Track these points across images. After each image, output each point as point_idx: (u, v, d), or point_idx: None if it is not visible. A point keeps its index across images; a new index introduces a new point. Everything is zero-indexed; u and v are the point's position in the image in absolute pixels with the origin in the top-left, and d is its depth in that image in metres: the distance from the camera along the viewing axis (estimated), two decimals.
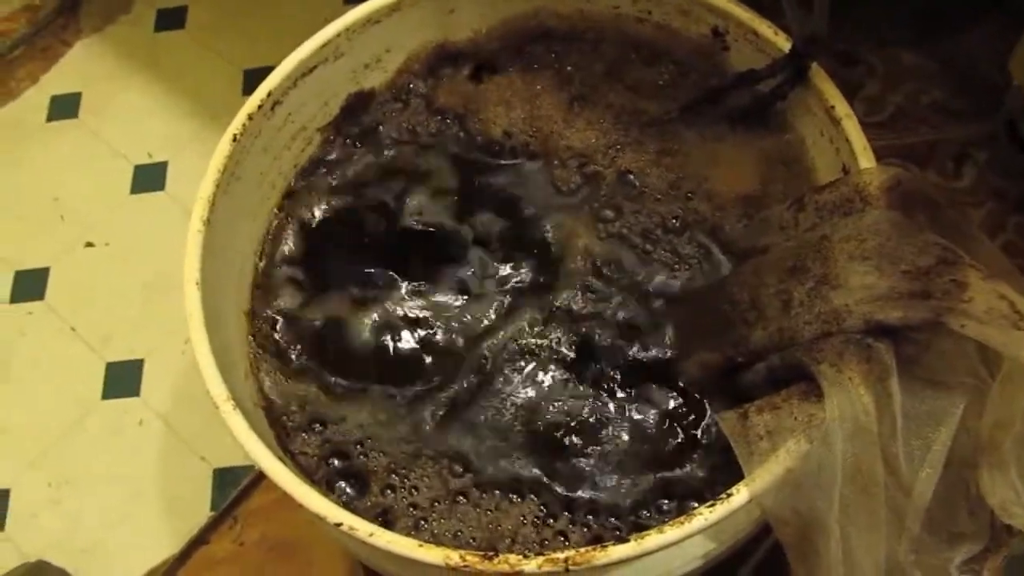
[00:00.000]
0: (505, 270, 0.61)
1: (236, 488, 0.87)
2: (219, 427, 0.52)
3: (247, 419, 0.52)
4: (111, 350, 0.99)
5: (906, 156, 0.96)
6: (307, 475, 0.56)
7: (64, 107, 1.12)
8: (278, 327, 0.61)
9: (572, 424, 0.56)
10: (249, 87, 1.10)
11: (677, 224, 0.61)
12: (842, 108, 0.58)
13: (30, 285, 1.02)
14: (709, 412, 0.55)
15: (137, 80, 1.13)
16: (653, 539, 0.46)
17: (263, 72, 1.11)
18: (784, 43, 0.59)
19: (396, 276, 0.61)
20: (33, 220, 1.06)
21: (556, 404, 0.56)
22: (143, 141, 1.09)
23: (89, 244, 1.04)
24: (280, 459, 0.51)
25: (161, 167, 1.07)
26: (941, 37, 1.02)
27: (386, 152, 0.66)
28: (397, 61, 0.68)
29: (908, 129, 0.98)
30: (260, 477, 0.83)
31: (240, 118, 0.60)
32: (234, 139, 0.59)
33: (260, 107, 0.61)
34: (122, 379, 0.97)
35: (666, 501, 0.53)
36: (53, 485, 0.93)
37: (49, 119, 1.12)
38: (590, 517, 0.53)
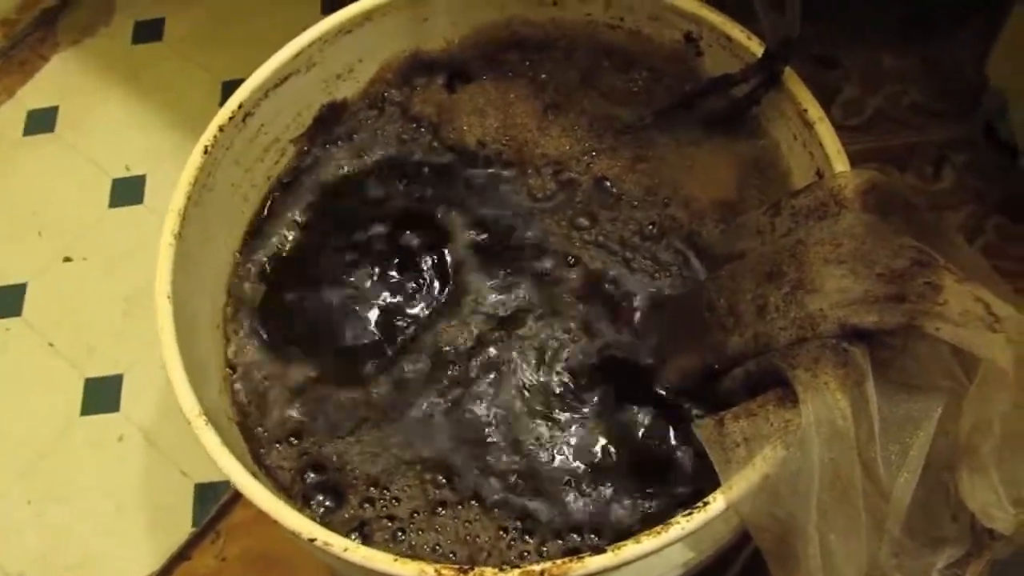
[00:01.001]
0: (481, 278, 0.60)
1: (217, 503, 0.87)
2: (191, 429, 0.51)
3: (221, 434, 0.51)
4: (90, 366, 0.98)
5: (885, 159, 0.96)
6: (283, 489, 0.56)
7: (41, 121, 1.11)
8: (253, 342, 0.60)
9: (549, 434, 0.55)
10: (227, 99, 1.09)
11: (654, 231, 0.61)
12: (815, 112, 0.57)
13: (7, 301, 1.01)
14: (686, 419, 0.55)
15: (115, 93, 1.12)
16: (630, 549, 0.45)
17: (241, 84, 1.11)
18: (757, 47, 0.59)
19: (372, 284, 0.61)
20: (10, 235, 1.05)
21: (533, 414, 0.56)
22: (121, 154, 1.08)
23: (67, 259, 1.03)
24: (254, 474, 0.51)
25: (139, 180, 1.06)
26: (921, 40, 1.02)
27: (360, 162, 0.66)
28: (370, 71, 0.67)
29: (887, 132, 0.98)
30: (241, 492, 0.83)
31: (211, 130, 0.60)
32: (205, 151, 0.59)
33: (231, 119, 0.60)
34: (101, 395, 0.96)
35: (644, 510, 0.52)
36: (34, 502, 0.92)
37: (26, 133, 1.11)
38: (568, 529, 0.52)
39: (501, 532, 0.53)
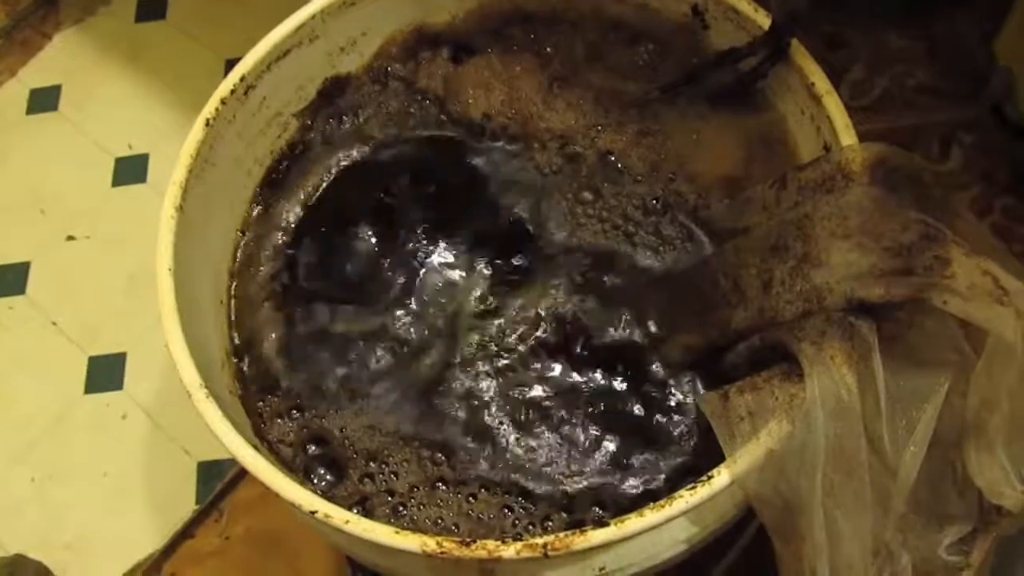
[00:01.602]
0: (486, 254, 0.60)
1: (221, 481, 0.87)
2: (203, 419, 0.51)
3: (222, 408, 0.51)
4: (94, 344, 0.98)
5: (892, 139, 0.94)
6: (285, 464, 0.56)
7: (44, 100, 1.11)
8: (256, 316, 0.60)
9: (551, 411, 0.55)
10: None
11: (658, 205, 0.61)
12: (823, 85, 0.57)
13: (11, 279, 1.01)
14: (692, 394, 0.54)
15: (118, 72, 1.12)
16: (634, 523, 0.45)
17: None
18: (764, 20, 0.59)
19: (376, 260, 0.61)
20: (14, 214, 1.05)
21: (536, 389, 0.56)
22: (124, 133, 1.08)
23: (70, 237, 1.03)
24: (256, 447, 0.51)
25: (142, 159, 1.06)
26: (926, 20, 1.01)
27: (364, 135, 0.65)
28: (374, 44, 0.67)
29: (894, 112, 0.97)
30: (245, 470, 0.83)
31: (213, 102, 0.59)
32: (207, 124, 0.58)
33: (233, 91, 0.60)
34: (105, 373, 0.96)
35: (648, 485, 0.52)
36: (37, 480, 0.92)
37: (29, 112, 1.11)
38: (571, 503, 0.52)
39: (503, 507, 0.52)
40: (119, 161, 1.06)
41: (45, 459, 0.93)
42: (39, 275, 1.01)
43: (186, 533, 0.85)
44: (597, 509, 0.52)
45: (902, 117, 0.97)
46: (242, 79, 0.60)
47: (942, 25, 1.01)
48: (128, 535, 0.89)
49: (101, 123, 1.09)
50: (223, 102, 0.59)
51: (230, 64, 1.10)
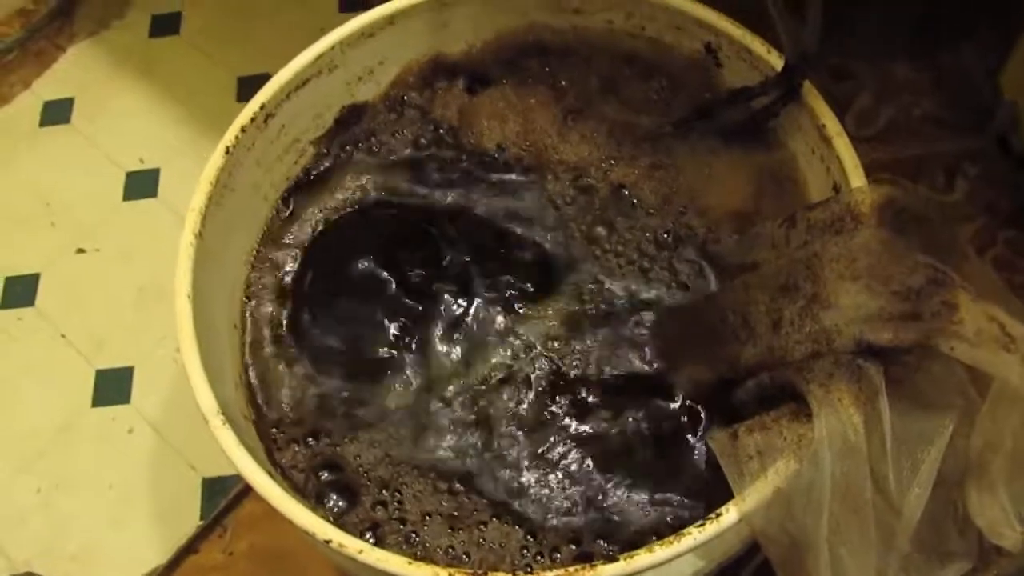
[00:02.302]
0: (498, 286, 0.61)
1: (225, 497, 0.87)
2: (209, 436, 0.51)
3: (237, 432, 0.52)
4: (101, 357, 0.98)
5: (897, 170, 0.95)
6: (297, 489, 0.56)
7: (57, 112, 1.12)
8: (270, 341, 0.60)
9: (562, 442, 0.56)
10: (243, 94, 1.09)
11: (669, 239, 0.62)
12: (833, 127, 0.58)
13: (21, 291, 1.02)
14: (699, 430, 0.55)
15: (130, 86, 1.12)
16: (643, 558, 0.46)
17: (257, 79, 1.11)
18: (777, 61, 0.60)
19: (391, 289, 0.61)
20: (24, 225, 1.05)
21: (547, 422, 0.56)
22: (136, 147, 1.08)
23: (80, 250, 1.03)
24: (269, 473, 0.51)
25: (153, 174, 1.07)
26: (934, 51, 1.02)
27: (379, 164, 0.66)
28: (391, 73, 0.68)
29: (900, 143, 0.98)
30: (249, 487, 0.83)
31: (233, 130, 0.60)
32: (227, 151, 0.59)
33: (253, 119, 0.61)
34: (112, 386, 0.96)
35: (657, 520, 0.53)
36: (42, 491, 0.93)
37: (42, 124, 1.11)
38: (581, 536, 0.53)
39: (513, 537, 0.53)
40: (130, 175, 1.07)
41: (51, 470, 0.94)
42: (48, 287, 1.02)
43: (190, 548, 0.86)
44: (603, 542, 0.53)
45: (908, 147, 0.98)
46: (262, 107, 0.61)
47: (948, 57, 1.02)
48: (132, 549, 0.89)
49: (113, 137, 1.09)
50: (243, 130, 0.60)
51: (242, 81, 1.11)
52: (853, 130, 0.97)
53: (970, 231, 0.94)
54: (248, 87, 1.09)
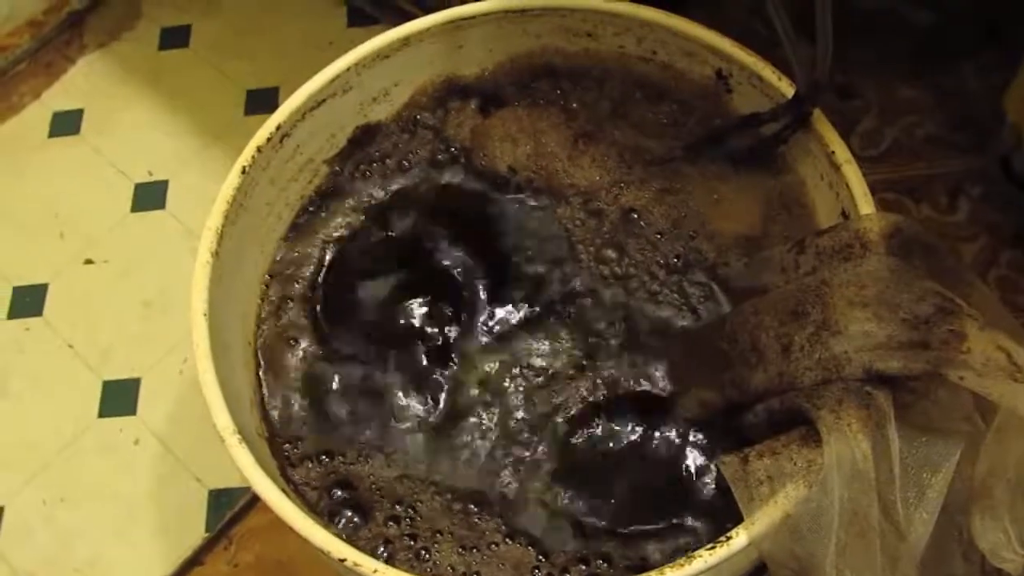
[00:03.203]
0: (509, 307, 0.61)
1: (231, 509, 0.88)
2: (215, 448, 0.52)
3: (252, 450, 0.52)
4: (109, 368, 0.98)
5: (901, 190, 0.97)
6: (309, 506, 0.57)
7: (66, 123, 1.12)
8: (284, 359, 0.61)
9: (572, 463, 0.56)
10: (252, 107, 1.10)
11: (679, 263, 0.62)
12: (843, 154, 0.59)
13: (28, 301, 1.02)
14: (709, 454, 0.56)
15: (140, 97, 1.13)
16: None
17: (266, 92, 1.12)
18: (787, 88, 0.60)
19: (407, 306, 0.62)
20: (32, 236, 1.06)
21: (558, 443, 0.57)
22: (144, 159, 1.09)
23: (88, 261, 1.04)
24: (283, 491, 0.52)
25: (162, 185, 1.07)
26: (938, 72, 1.03)
27: (392, 183, 0.67)
28: (405, 95, 0.68)
29: (903, 163, 0.99)
30: (255, 499, 0.84)
31: (249, 150, 0.61)
32: (243, 171, 0.60)
33: (269, 140, 0.62)
34: (119, 397, 0.97)
35: (667, 542, 0.53)
36: (48, 503, 0.93)
37: (51, 135, 1.12)
38: (591, 557, 0.53)
39: (525, 558, 0.54)
40: (139, 187, 1.07)
41: (57, 482, 0.94)
42: (56, 298, 1.02)
43: (195, 560, 0.86)
44: (615, 564, 0.53)
45: (911, 167, 0.99)
46: (278, 128, 0.62)
47: (951, 78, 1.03)
48: (137, 561, 0.90)
49: (122, 148, 1.10)
50: (259, 150, 0.61)
51: (251, 94, 1.11)
52: (858, 150, 0.99)
53: (973, 252, 0.95)
54: (257, 100, 1.10)
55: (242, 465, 0.51)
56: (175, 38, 1.17)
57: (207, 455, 0.93)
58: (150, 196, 1.06)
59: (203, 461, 0.94)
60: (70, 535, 0.92)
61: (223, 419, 0.52)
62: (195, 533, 0.90)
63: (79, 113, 1.12)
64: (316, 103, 0.63)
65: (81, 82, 1.15)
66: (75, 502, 0.93)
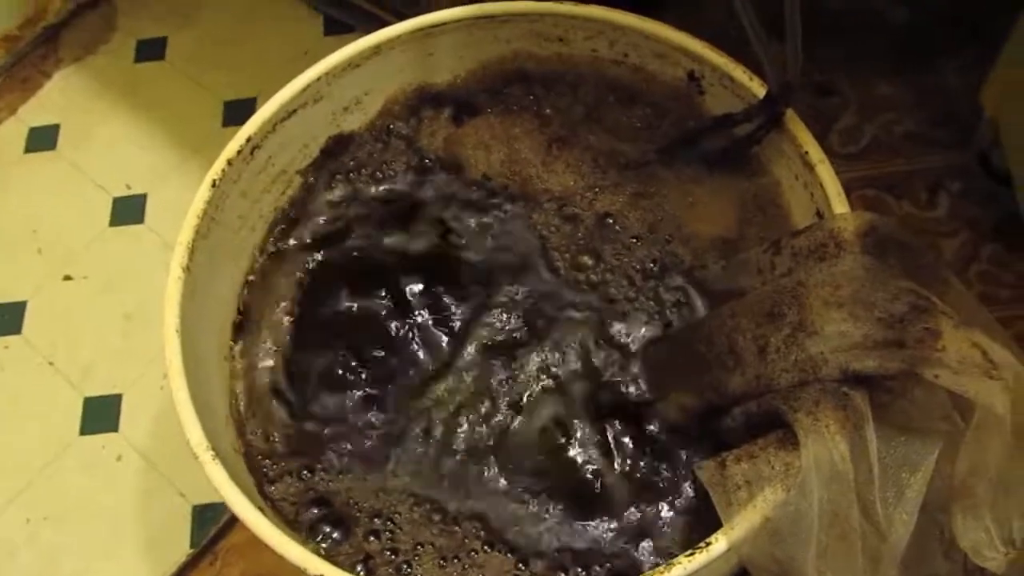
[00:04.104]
0: (486, 316, 0.61)
1: (216, 525, 0.87)
2: (199, 464, 0.51)
3: (227, 466, 0.52)
4: (90, 384, 0.98)
5: (881, 186, 0.97)
6: (288, 522, 0.56)
7: (43, 138, 1.12)
8: (261, 373, 0.60)
9: (552, 472, 0.56)
10: (229, 118, 1.10)
11: (655, 267, 0.62)
12: (816, 154, 0.58)
13: (7, 319, 1.01)
14: (688, 458, 0.56)
15: (116, 111, 1.12)
16: None
17: (244, 103, 1.11)
18: (759, 88, 0.60)
19: (383, 322, 0.62)
20: (10, 253, 1.05)
21: (537, 451, 0.57)
22: (122, 173, 1.08)
23: (67, 277, 1.03)
24: (260, 508, 0.51)
25: (140, 199, 1.06)
26: (915, 68, 1.03)
27: (366, 192, 0.67)
28: (377, 104, 0.68)
29: (883, 160, 0.99)
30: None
31: (219, 163, 0.60)
32: (213, 184, 0.60)
33: (239, 152, 0.61)
34: (101, 413, 0.96)
35: (645, 548, 0.53)
36: (31, 521, 0.92)
37: (27, 150, 1.11)
38: (571, 564, 0.53)
39: (505, 566, 0.53)
40: (117, 201, 1.07)
41: (39, 500, 0.93)
42: (35, 315, 1.01)
43: None
44: (594, 571, 0.53)
45: (890, 164, 0.99)
46: (248, 140, 0.61)
47: (929, 75, 1.03)
48: None
49: (99, 162, 1.09)
50: (229, 163, 0.60)
51: (228, 106, 1.11)
52: (837, 147, 0.99)
53: (953, 247, 0.95)
54: (234, 111, 1.09)
55: (216, 482, 0.51)
56: (151, 50, 1.16)
57: (191, 470, 0.91)
58: (128, 210, 1.06)
59: (187, 476, 0.93)
60: (54, 553, 0.91)
61: (196, 436, 0.52)
62: (180, 549, 0.89)
63: (55, 128, 1.12)
64: (287, 114, 0.63)
65: (57, 97, 1.14)
66: (59, 520, 0.92)
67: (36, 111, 1.13)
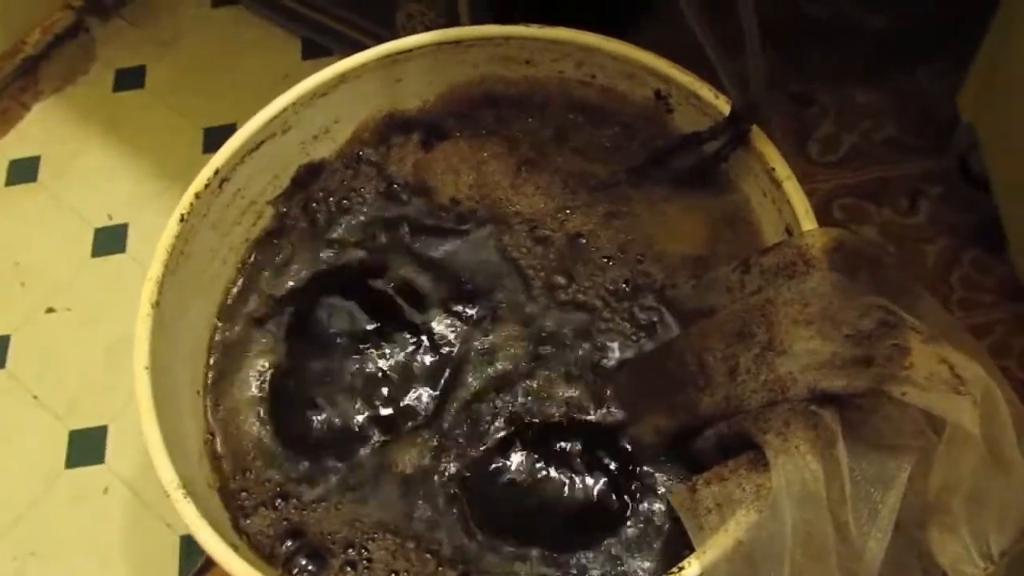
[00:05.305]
0: (462, 347, 0.61)
1: (202, 555, 0.86)
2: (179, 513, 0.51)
3: (199, 503, 0.52)
4: (75, 417, 0.98)
5: (861, 194, 0.97)
6: (264, 556, 0.56)
7: (23, 171, 1.12)
8: (234, 408, 0.60)
9: (526, 496, 0.56)
10: (209, 145, 1.10)
11: (628, 288, 0.62)
12: (782, 170, 0.58)
13: None
14: (662, 481, 0.55)
15: (97, 141, 1.13)
16: None
17: (223, 130, 1.11)
18: (724, 106, 0.60)
19: (358, 351, 0.61)
20: None
21: (509, 475, 0.56)
22: (103, 203, 1.08)
23: (50, 309, 1.03)
24: (233, 544, 0.51)
25: (122, 229, 1.07)
26: (893, 76, 1.03)
27: (337, 221, 0.67)
28: (347, 131, 0.68)
29: (862, 167, 0.99)
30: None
31: (187, 198, 0.60)
32: (182, 219, 0.59)
33: (207, 185, 0.61)
34: (86, 446, 0.96)
35: (619, 573, 0.53)
36: (19, 558, 0.92)
37: (8, 183, 1.11)
38: None
39: None
40: (98, 231, 1.07)
41: (27, 536, 0.93)
42: (19, 348, 1.01)
43: None
44: None
45: (870, 171, 0.99)
46: (216, 172, 0.61)
47: (907, 82, 1.03)
48: None
49: (80, 193, 1.10)
50: (197, 196, 0.60)
51: (208, 132, 1.11)
52: (817, 156, 0.99)
53: (934, 252, 0.95)
54: (215, 138, 1.09)
55: (188, 520, 0.51)
56: (130, 79, 1.16)
57: None
58: (110, 240, 1.06)
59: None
60: None
61: (167, 475, 0.52)
62: None
63: (36, 160, 1.12)
64: (255, 145, 0.63)
65: (37, 129, 1.15)
66: (46, 556, 0.92)
67: (16, 143, 1.14)
